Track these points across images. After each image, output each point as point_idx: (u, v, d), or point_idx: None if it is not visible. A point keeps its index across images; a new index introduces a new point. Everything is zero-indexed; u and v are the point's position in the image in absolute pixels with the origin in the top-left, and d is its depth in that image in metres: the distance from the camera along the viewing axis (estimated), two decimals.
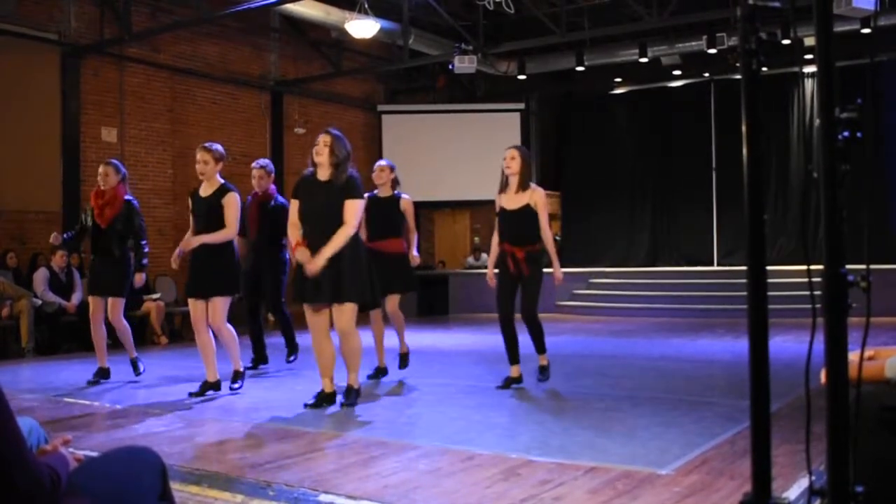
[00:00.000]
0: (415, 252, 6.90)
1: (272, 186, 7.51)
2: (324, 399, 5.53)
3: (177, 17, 12.47)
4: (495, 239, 6.31)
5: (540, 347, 6.26)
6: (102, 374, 6.96)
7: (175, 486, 2.39)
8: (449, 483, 3.61)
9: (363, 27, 12.21)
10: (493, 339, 10.79)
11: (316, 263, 5.23)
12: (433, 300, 15.27)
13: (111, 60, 12.29)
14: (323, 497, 3.43)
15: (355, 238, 5.40)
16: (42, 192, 11.43)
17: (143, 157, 12.63)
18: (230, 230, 6.12)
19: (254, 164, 7.59)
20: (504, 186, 6.20)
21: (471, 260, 16.67)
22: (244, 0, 11.45)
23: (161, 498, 1.96)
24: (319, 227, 5.32)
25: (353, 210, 5.32)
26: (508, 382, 6.24)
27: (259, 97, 14.69)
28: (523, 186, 6.09)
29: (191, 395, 6.09)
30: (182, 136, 13.25)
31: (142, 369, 7.08)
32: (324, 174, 5.43)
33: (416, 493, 3.45)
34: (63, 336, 10.01)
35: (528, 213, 6.05)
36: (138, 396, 6.29)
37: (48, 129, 11.54)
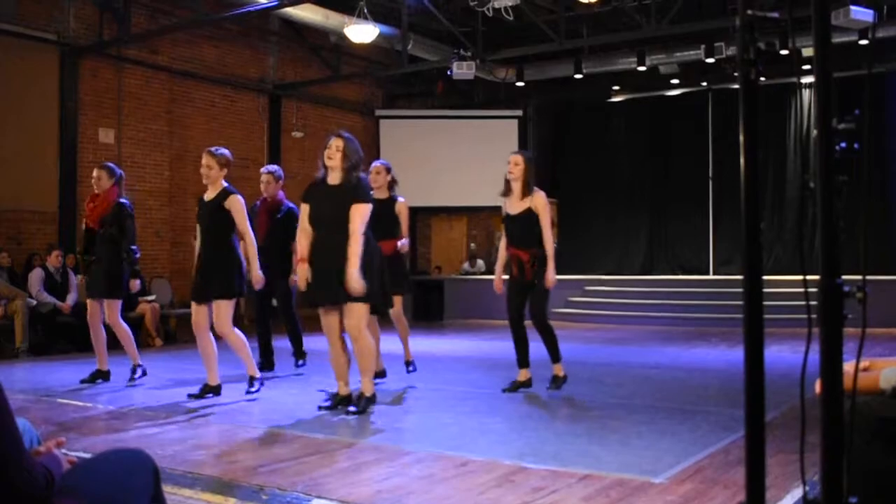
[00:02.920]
0: (404, 241, 6.65)
1: (280, 193, 7.49)
2: (339, 401, 5.55)
3: (176, 19, 12.49)
4: (503, 244, 6.41)
5: (554, 356, 6.23)
6: (101, 375, 6.93)
7: (167, 490, 2.38)
8: (442, 489, 3.61)
9: (362, 32, 12.22)
10: (488, 344, 10.81)
11: (354, 286, 5.18)
12: (429, 305, 15.28)
13: (110, 61, 12.29)
14: (315, 502, 3.42)
15: (366, 240, 5.37)
16: (39, 192, 11.42)
17: (140, 158, 12.62)
18: (248, 236, 6.15)
19: (262, 170, 7.65)
20: (508, 191, 6.25)
21: (467, 266, 16.63)
22: (243, 3, 11.46)
23: (153, 500, 1.96)
24: (329, 231, 5.32)
25: (360, 215, 5.30)
26: (515, 386, 6.24)
27: (257, 100, 14.69)
28: (526, 191, 6.14)
29: (190, 396, 6.05)
30: (180, 138, 13.25)
31: (138, 375, 6.98)
32: (334, 178, 5.42)
33: (409, 499, 3.45)
34: (58, 336, 9.98)
35: (529, 217, 6.11)
36: (132, 398, 6.27)
37: (46, 130, 11.53)
